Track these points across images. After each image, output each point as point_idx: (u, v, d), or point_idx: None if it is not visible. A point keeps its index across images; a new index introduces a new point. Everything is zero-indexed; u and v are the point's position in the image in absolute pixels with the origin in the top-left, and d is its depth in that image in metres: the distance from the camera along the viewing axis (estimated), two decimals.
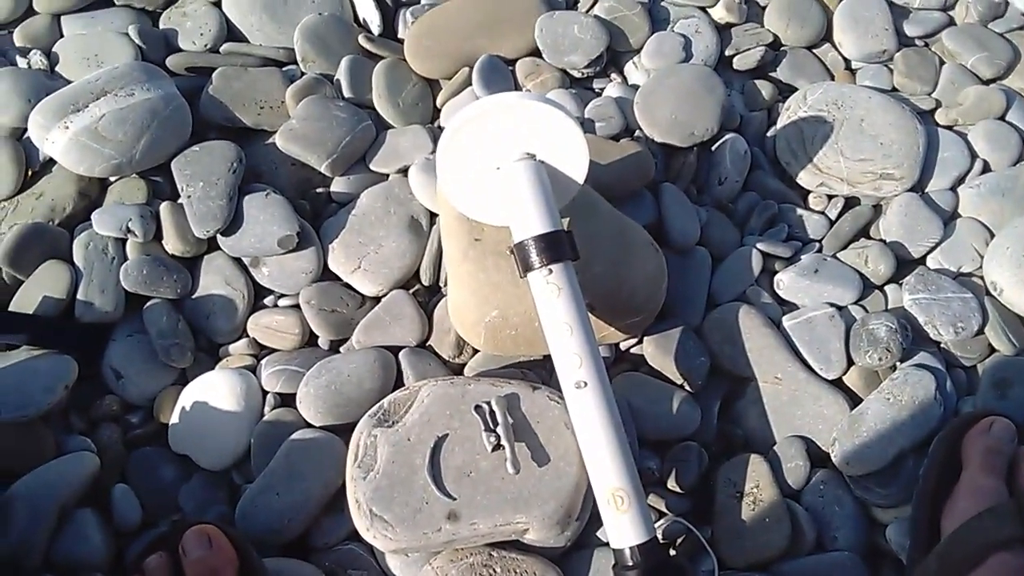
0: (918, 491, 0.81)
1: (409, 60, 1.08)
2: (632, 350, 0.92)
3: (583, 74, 1.09)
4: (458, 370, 0.91)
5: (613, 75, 1.11)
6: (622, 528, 0.69)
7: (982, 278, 0.96)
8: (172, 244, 0.94)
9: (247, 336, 0.94)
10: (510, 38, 1.09)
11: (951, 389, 0.88)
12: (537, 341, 0.82)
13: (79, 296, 0.91)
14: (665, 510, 0.83)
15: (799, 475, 0.85)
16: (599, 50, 1.07)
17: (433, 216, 0.98)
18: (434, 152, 0.91)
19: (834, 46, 1.14)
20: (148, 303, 0.92)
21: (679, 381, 0.89)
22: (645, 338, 0.90)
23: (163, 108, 0.98)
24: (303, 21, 1.10)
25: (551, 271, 0.73)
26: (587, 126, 1.02)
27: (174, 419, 0.88)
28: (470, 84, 1.06)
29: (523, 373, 0.89)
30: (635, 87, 1.07)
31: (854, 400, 0.89)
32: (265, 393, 0.90)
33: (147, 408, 0.91)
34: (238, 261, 0.96)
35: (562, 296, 0.73)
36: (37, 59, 1.07)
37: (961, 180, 1.03)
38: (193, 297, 0.94)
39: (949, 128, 1.07)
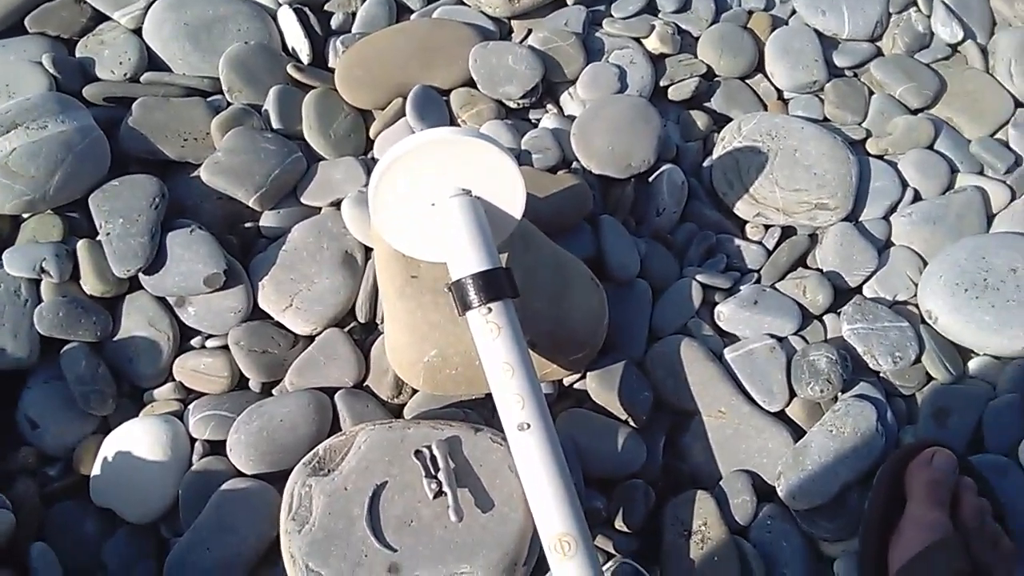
0: (863, 525, 0.81)
1: (340, 90, 1.06)
2: (575, 386, 0.90)
3: (519, 105, 1.07)
4: (397, 411, 0.88)
5: (549, 106, 1.10)
6: (569, 575, 0.67)
7: (917, 306, 0.97)
8: (91, 284, 0.89)
9: (173, 380, 0.90)
10: (444, 68, 1.07)
11: (892, 419, 0.88)
12: (478, 380, 0.80)
13: None
14: (613, 551, 0.81)
15: (746, 511, 0.84)
16: (534, 81, 1.06)
17: (368, 251, 0.95)
18: (367, 185, 0.88)
19: (766, 76, 1.15)
20: (65, 347, 0.88)
21: (623, 417, 0.87)
22: (588, 374, 0.89)
23: (79, 141, 0.93)
24: (229, 50, 1.06)
25: (490, 310, 0.71)
26: (524, 157, 1.01)
27: (96, 470, 0.84)
28: (404, 115, 1.04)
29: (464, 413, 0.86)
30: (571, 118, 1.06)
31: (798, 432, 0.88)
32: (193, 440, 0.86)
33: (66, 459, 0.86)
34: (162, 301, 0.91)
35: (502, 335, 0.71)
36: None
37: (893, 209, 1.05)
38: (114, 340, 0.90)
39: (880, 157, 1.08)
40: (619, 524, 0.83)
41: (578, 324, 0.84)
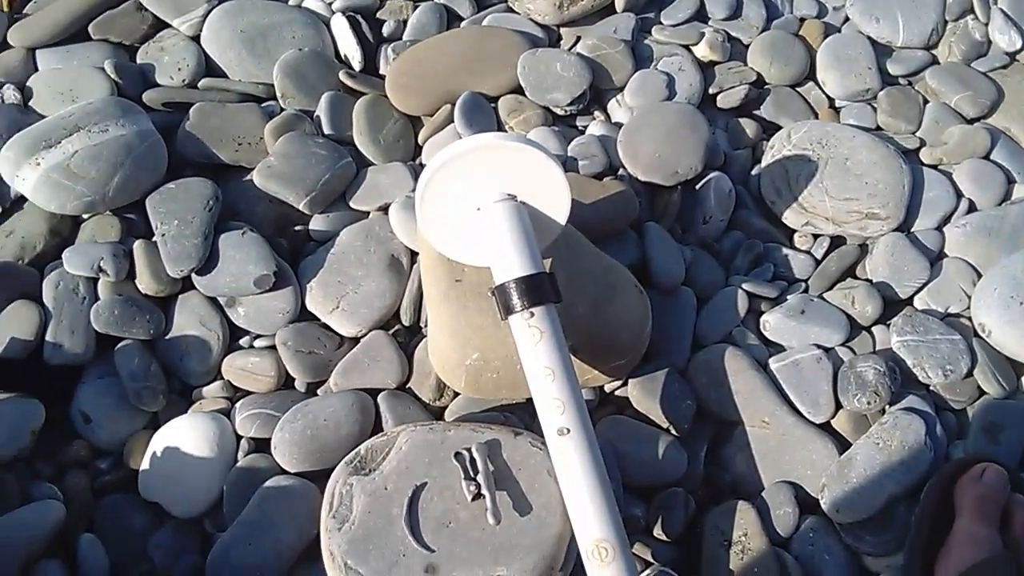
0: (910, 540, 0.80)
1: (390, 97, 1.07)
2: (616, 393, 0.90)
3: (566, 112, 1.08)
4: (439, 413, 0.89)
5: (596, 113, 1.10)
6: None
7: (970, 319, 0.95)
8: (145, 283, 0.91)
9: (221, 378, 0.91)
10: (492, 75, 1.08)
11: (941, 433, 0.87)
12: (519, 384, 0.80)
13: (48, 337, 0.88)
14: (651, 559, 0.81)
15: (788, 523, 0.83)
16: (582, 88, 1.06)
17: (414, 255, 0.96)
18: (414, 190, 0.89)
19: (818, 84, 1.14)
20: (119, 344, 0.90)
21: (665, 425, 0.87)
22: (630, 381, 0.89)
23: (138, 144, 0.96)
24: (283, 57, 1.08)
25: (533, 314, 0.71)
26: (570, 164, 1.01)
27: (145, 465, 0.85)
28: (452, 121, 1.05)
29: (505, 416, 0.87)
30: (618, 125, 1.06)
31: (843, 444, 0.87)
32: (239, 438, 0.87)
33: (117, 453, 0.88)
34: (213, 301, 0.93)
35: (544, 340, 0.71)
36: (11, 93, 1.05)
37: (947, 220, 1.02)
38: (166, 338, 0.92)
39: (934, 167, 1.06)
40: (658, 532, 0.82)
41: (621, 331, 0.84)
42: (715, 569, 0.80)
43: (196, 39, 1.11)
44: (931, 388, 0.91)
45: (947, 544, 0.76)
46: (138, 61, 1.10)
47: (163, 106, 1.05)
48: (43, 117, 1.00)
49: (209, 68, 1.10)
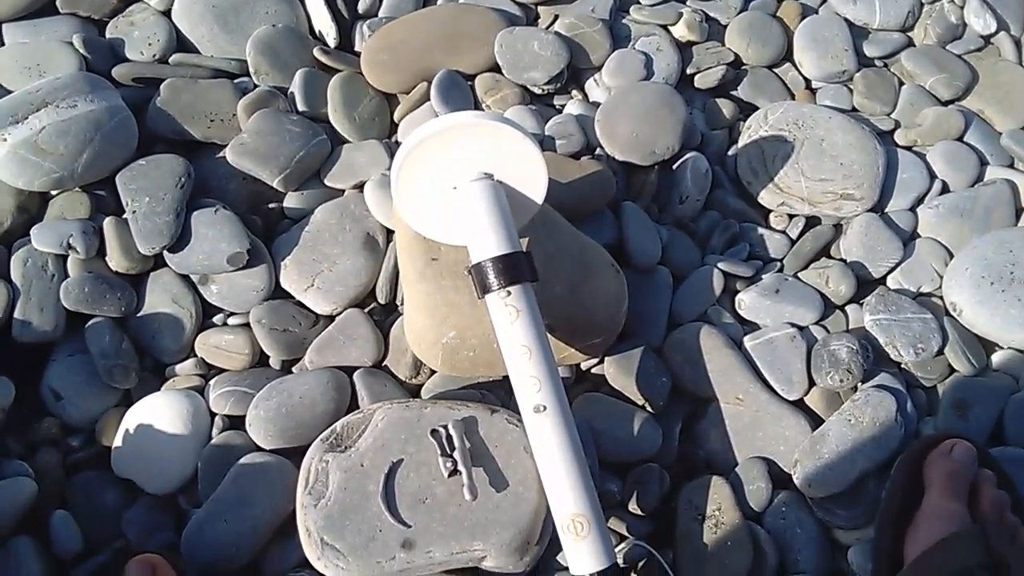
0: (880, 514, 0.81)
1: (366, 74, 1.06)
2: (593, 370, 0.90)
3: (543, 91, 1.07)
4: (415, 391, 0.89)
5: (574, 92, 1.09)
6: (581, 555, 0.68)
7: (941, 298, 0.96)
8: (116, 261, 0.90)
9: (195, 356, 0.91)
10: (469, 53, 1.07)
11: (912, 410, 0.88)
12: (496, 362, 0.80)
13: (16, 315, 0.87)
14: (626, 533, 0.81)
15: (761, 497, 0.83)
16: (559, 67, 1.06)
17: (389, 233, 0.95)
18: (390, 168, 0.89)
19: (794, 66, 1.14)
20: (90, 322, 0.89)
21: (640, 402, 0.87)
22: (606, 359, 0.89)
23: (108, 120, 0.94)
24: (256, 32, 1.07)
25: (509, 293, 0.71)
26: (547, 143, 1.01)
27: (117, 442, 0.85)
28: (428, 99, 1.04)
29: (482, 394, 0.87)
30: (596, 104, 1.06)
31: (815, 421, 0.88)
32: (213, 415, 0.87)
33: (89, 431, 0.87)
34: (186, 278, 0.92)
35: (520, 318, 0.71)
36: None
37: (920, 200, 1.03)
38: (138, 315, 0.91)
39: (908, 149, 1.07)
40: (633, 507, 0.83)
41: (597, 309, 0.84)
42: (689, 543, 0.81)
43: (167, 14, 1.09)
44: (903, 366, 0.92)
45: (916, 519, 0.77)
46: (107, 36, 1.08)
47: (133, 81, 1.04)
48: (9, 92, 0.98)
49: (180, 43, 1.08)
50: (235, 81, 1.05)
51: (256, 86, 1.05)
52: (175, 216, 0.91)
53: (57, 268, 0.90)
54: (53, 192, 0.94)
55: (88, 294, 0.88)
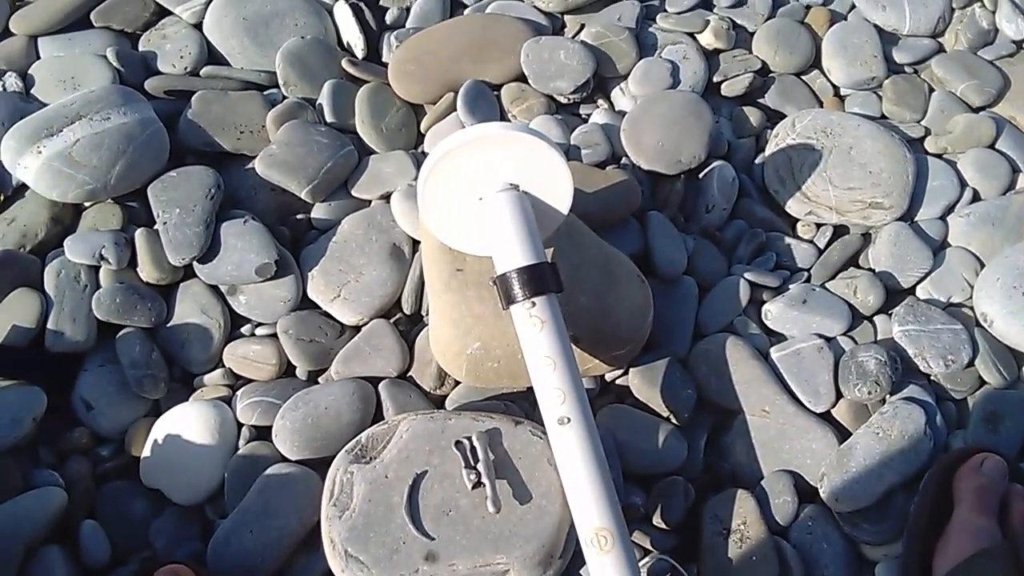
0: (908, 529, 0.80)
1: (393, 85, 1.07)
2: (617, 381, 0.90)
3: (569, 100, 1.07)
4: (439, 402, 0.89)
5: (600, 101, 1.09)
6: (605, 569, 0.67)
7: (972, 309, 0.95)
8: (147, 271, 0.92)
9: (223, 366, 0.92)
10: (495, 63, 1.08)
11: (941, 423, 0.86)
12: (520, 373, 0.80)
13: (49, 325, 0.88)
14: (650, 547, 0.81)
15: (787, 511, 0.83)
16: (585, 76, 1.06)
17: (416, 244, 0.96)
18: (416, 179, 0.89)
19: (823, 73, 1.13)
20: (121, 332, 0.90)
21: (665, 414, 0.87)
22: (631, 370, 0.89)
23: (140, 132, 0.96)
24: (285, 45, 1.08)
25: (534, 304, 0.71)
26: (573, 153, 1.01)
27: (146, 452, 0.86)
28: (455, 109, 1.05)
29: (506, 405, 0.87)
30: (622, 114, 1.06)
31: (843, 434, 0.87)
32: (240, 426, 0.88)
33: (118, 441, 0.88)
34: (215, 289, 0.93)
35: (545, 329, 0.71)
36: (12, 82, 1.05)
37: (951, 209, 1.02)
38: (168, 326, 0.92)
39: (938, 156, 1.06)
40: (657, 521, 0.82)
41: (622, 320, 0.84)
42: (713, 557, 0.81)
43: (198, 27, 1.11)
44: (932, 378, 0.91)
45: (945, 534, 0.76)
46: (140, 49, 1.10)
47: (165, 94, 1.05)
48: (45, 105, 1.00)
49: (211, 56, 1.10)
50: (264, 93, 1.07)
51: (285, 98, 1.06)
52: (205, 227, 0.92)
53: (89, 279, 0.91)
54: (86, 204, 0.96)
55: (119, 304, 0.89)
